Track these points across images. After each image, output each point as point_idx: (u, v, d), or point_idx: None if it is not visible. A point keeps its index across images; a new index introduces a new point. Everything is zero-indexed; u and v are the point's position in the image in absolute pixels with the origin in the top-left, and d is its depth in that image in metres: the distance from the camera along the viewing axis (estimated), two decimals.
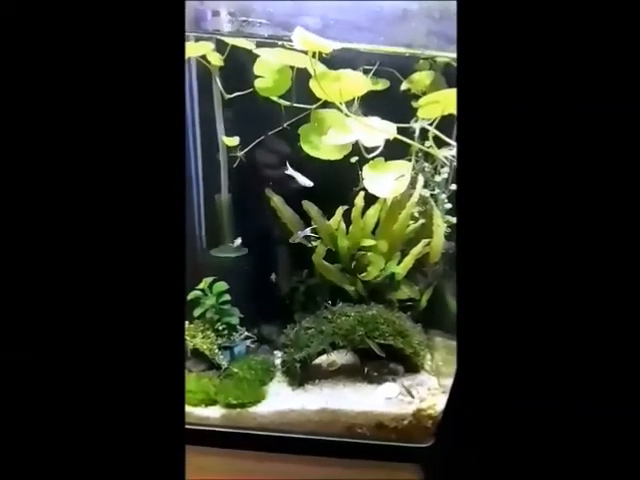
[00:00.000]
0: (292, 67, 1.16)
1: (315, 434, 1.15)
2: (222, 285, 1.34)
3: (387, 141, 1.11)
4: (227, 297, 1.33)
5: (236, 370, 1.25)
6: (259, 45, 1.14)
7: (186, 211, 1.41)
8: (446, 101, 1.05)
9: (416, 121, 1.17)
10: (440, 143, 1.15)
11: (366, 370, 1.26)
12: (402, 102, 1.24)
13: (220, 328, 1.32)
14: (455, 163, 1.16)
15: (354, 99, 1.14)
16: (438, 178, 1.31)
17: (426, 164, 1.30)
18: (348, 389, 1.24)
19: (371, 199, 1.29)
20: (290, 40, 1.03)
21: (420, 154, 1.26)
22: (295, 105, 1.23)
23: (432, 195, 1.33)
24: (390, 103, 1.25)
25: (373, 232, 1.36)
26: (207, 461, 1.14)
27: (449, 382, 0.97)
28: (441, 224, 1.29)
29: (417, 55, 1.24)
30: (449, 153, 1.15)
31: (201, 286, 1.33)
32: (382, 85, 1.26)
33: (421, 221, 1.33)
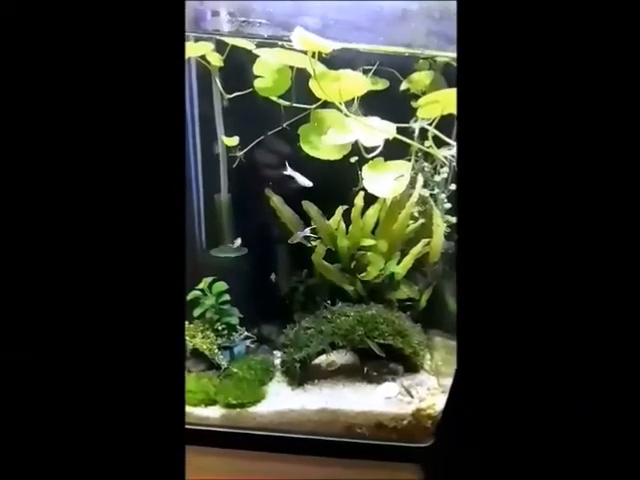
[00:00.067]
0: (292, 67, 1.16)
1: (315, 434, 1.15)
2: (222, 285, 1.34)
3: (387, 141, 1.11)
4: (227, 297, 1.33)
5: (236, 370, 1.25)
6: (259, 45, 1.13)
7: (186, 211, 1.40)
8: (446, 101, 1.05)
9: (416, 121, 1.16)
10: (440, 143, 1.15)
11: (366, 370, 1.26)
12: (402, 102, 1.23)
13: (220, 328, 1.32)
14: (455, 163, 1.16)
15: (354, 99, 1.13)
16: (438, 178, 1.31)
17: (426, 164, 1.30)
18: (348, 389, 1.24)
19: (371, 199, 1.29)
20: (290, 40, 1.03)
21: (420, 154, 1.26)
22: (295, 105, 1.22)
23: (432, 195, 1.33)
24: (390, 103, 1.25)
25: (373, 232, 1.36)
26: (207, 461, 1.14)
27: (449, 382, 0.98)
28: (441, 224, 1.29)
29: (417, 55, 1.24)
30: (449, 153, 1.15)
31: (201, 286, 1.33)
32: (382, 85, 1.26)
33: (421, 221, 1.33)
